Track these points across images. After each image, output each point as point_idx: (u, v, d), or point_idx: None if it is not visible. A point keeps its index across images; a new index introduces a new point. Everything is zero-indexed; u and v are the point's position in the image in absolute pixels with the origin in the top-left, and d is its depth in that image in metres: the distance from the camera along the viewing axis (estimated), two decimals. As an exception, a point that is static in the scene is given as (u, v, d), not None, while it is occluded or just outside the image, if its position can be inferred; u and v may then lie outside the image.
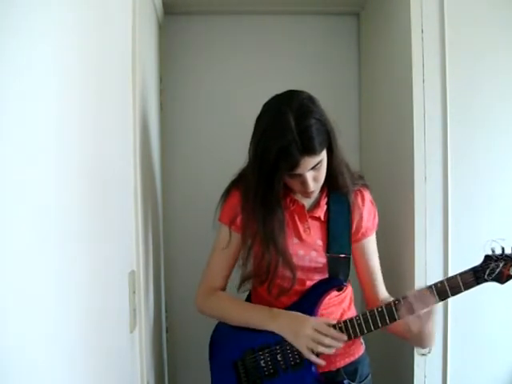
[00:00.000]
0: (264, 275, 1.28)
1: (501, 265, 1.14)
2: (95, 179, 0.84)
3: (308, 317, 1.26)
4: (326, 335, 1.21)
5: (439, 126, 1.50)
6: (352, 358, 1.35)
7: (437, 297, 1.18)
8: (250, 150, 1.25)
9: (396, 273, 1.63)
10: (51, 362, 0.61)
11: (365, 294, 1.41)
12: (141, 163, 1.26)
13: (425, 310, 1.16)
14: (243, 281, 1.33)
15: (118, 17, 1.09)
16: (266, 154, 1.15)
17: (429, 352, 1.26)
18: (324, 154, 1.19)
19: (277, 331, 1.26)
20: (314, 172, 1.19)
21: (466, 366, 1.52)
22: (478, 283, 1.16)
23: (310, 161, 1.15)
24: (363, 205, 1.35)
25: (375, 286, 1.37)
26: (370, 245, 1.38)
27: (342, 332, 1.23)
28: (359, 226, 1.35)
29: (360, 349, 1.38)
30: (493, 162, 1.51)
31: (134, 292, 1.15)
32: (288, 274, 1.28)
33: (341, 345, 1.23)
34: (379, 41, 1.91)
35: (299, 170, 1.16)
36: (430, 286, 1.19)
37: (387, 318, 1.21)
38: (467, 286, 1.16)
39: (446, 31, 1.48)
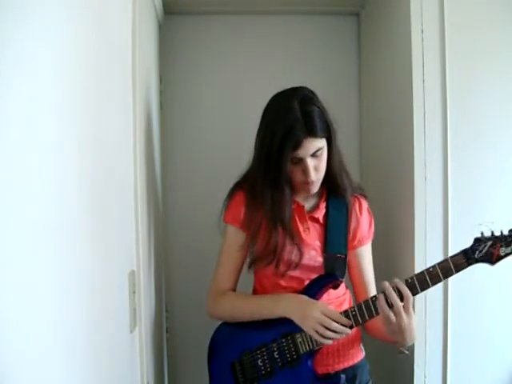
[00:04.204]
0: (271, 255, 1.29)
1: (489, 244, 1.16)
2: (95, 179, 0.84)
3: (315, 300, 1.27)
4: (333, 319, 1.22)
5: (439, 126, 1.50)
6: (351, 363, 1.35)
7: (418, 287, 1.18)
8: (256, 141, 1.31)
9: (396, 273, 1.63)
10: (51, 362, 0.61)
11: (357, 301, 1.40)
12: (141, 163, 1.26)
13: (401, 304, 1.17)
14: (253, 261, 1.34)
15: (118, 17, 1.09)
16: (273, 134, 1.21)
17: (407, 350, 1.25)
18: (324, 143, 1.25)
19: (284, 314, 1.27)
20: (314, 160, 1.24)
21: (466, 365, 1.52)
22: (469, 264, 1.17)
23: (312, 143, 1.20)
24: (361, 212, 1.38)
25: (367, 294, 1.37)
26: (366, 253, 1.40)
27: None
28: (356, 233, 1.37)
29: (359, 354, 1.39)
30: (493, 162, 1.51)
31: (134, 292, 1.15)
32: (294, 254, 1.30)
33: (349, 331, 1.23)
34: (379, 41, 1.91)
35: (302, 152, 1.21)
36: (422, 272, 1.20)
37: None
38: (458, 268, 1.18)
39: (446, 31, 1.48)
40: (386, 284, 1.19)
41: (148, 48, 1.66)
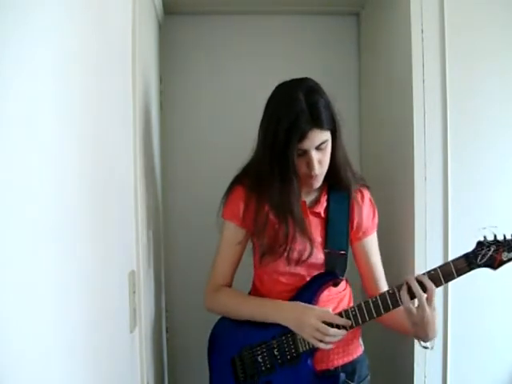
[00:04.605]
0: (282, 246, 1.29)
1: (492, 249, 1.15)
2: (95, 179, 0.84)
3: (311, 306, 1.26)
4: (330, 324, 1.22)
5: (439, 126, 1.50)
6: (350, 358, 1.35)
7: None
8: (259, 132, 1.29)
9: (396, 272, 1.63)
10: (51, 362, 0.61)
11: (367, 292, 1.41)
12: (141, 163, 1.26)
13: (425, 296, 1.17)
14: (263, 254, 1.33)
15: (118, 17, 1.09)
16: (277, 125, 1.19)
17: (431, 348, 1.26)
18: (329, 136, 1.23)
19: (282, 323, 1.26)
20: (319, 154, 1.23)
21: (466, 365, 1.52)
22: (471, 269, 1.17)
23: (317, 135, 1.19)
24: (363, 203, 1.37)
25: (377, 285, 1.37)
26: (372, 244, 1.39)
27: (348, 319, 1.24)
28: (359, 225, 1.36)
29: (358, 349, 1.39)
30: (493, 162, 1.52)
31: (134, 292, 1.15)
32: (304, 245, 1.29)
33: (345, 332, 1.23)
34: (379, 41, 1.91)
35: (307, 144, 1.19)
36: (424, 274, 1.19)
37: (390, 303, 1.21)
38: (460, 272, 1.18)
39: (446, 31, 1.48)
40: (410, 277, 1.19)
41: (148, 48, 1.66)
